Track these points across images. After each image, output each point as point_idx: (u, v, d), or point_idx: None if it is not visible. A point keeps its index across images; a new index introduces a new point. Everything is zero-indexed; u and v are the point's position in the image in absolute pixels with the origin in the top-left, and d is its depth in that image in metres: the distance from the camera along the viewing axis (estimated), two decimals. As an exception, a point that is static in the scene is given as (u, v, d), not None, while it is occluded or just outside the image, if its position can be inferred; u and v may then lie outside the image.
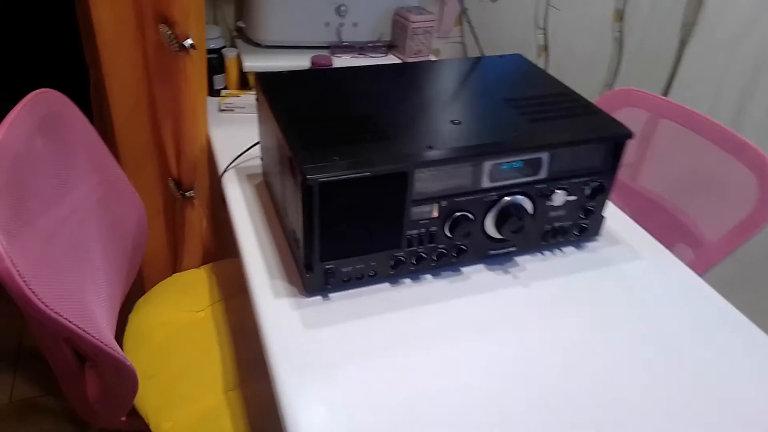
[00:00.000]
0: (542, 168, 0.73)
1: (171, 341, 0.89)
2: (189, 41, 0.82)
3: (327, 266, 0.68)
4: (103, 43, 0.80)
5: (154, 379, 0.84)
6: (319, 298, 0.70)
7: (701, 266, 0.86)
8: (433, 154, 0.66)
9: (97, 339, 0.59)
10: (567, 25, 1.54)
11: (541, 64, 1.57)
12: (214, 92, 1.15)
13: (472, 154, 0.68)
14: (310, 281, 0.69)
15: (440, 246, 0.73)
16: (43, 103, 0.72)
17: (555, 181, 0.74)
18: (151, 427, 0.79)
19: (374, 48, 1.20)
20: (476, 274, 0.76)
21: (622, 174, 1.04)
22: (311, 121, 0.70)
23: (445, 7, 1.31)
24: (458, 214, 0.71)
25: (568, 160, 0.74)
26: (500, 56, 0.96)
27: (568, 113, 0.77)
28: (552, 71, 1.62)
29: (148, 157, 0.93)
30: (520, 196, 0.73)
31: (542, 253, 0.81)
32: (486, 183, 0.71)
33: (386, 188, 0.66)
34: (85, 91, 0.89)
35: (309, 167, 0.62)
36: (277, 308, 0.68)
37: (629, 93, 1.00)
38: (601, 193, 0.78)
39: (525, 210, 0.73)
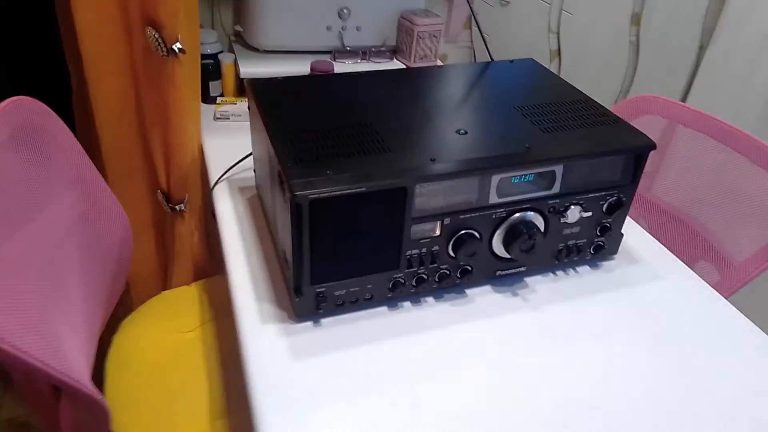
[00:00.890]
0: (556, 182, 0.66)
1: (156, 365, 0.84)
2: (177, 45, 0.77)
3: (318, 289, 0.63)
4: (86, 47, 0.75)
5: (136, 406, 0.79)
6: (309, 323, 0.65)
7: (728, 287, 0.79)
8: (435, 167, 0.60)
9: (62, 373, 0.54)
10: (581, 28, 1.47)
11: (554, 69, 1.51)
12: (209, 99, 1.10)
13: (478, 167, 0.62)
14: (299, 305, 0.63)
15: (443, 267, 0.67)
16: (17, 112, 0.67)
17: (569, 196, 0.68)
18: (131, 459, 0.73)
19: (378, 53, 1.14)
20: (482, 296, 0.70)
21: (640, 187, 0.97)
22: (304, 132, 0.65)
23: (453, 10, 1.25)
24: (463, 232, 0.65)
25: (585, 173, 0.68)
26: (511, 61, 0.90)
27: (584, 122, 0.71)
28: (565, 77, 1.56)
29: (135, 168, 0.88)
30: (531, 213, 0.67)
31: (554, 273, 0.75)
32: (494, 199, 0.64)
33: (384, 205, 0.60)
34: (67, 98, 0.85)
35: (298, 182, 0.56)
36: (263, 335, 0.63)
37: (649, 100, 0.94)
38: (619, 209, 0.71)
39: (536, 227, 0.67)
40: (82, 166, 0.77)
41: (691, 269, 0.77)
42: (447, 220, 0.64)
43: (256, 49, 1.12)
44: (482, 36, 0.89)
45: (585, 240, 0.73)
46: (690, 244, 0.88)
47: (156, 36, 0.75)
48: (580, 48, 1.48)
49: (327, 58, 1.12)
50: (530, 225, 0.67)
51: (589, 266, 0.76)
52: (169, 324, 0.91)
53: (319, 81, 0.79)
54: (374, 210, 0.60)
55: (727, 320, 0.69)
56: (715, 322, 0.69)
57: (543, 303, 0.70)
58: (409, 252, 0.64)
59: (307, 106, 0.71)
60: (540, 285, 0.73)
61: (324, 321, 0.65)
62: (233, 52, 1.12)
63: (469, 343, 0.64)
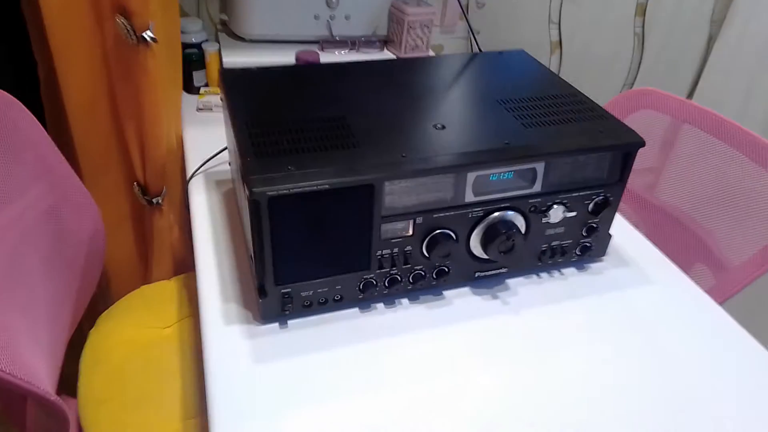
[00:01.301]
0: (537, 180, 0.63)
1: (130, 361, 0.82)
2: (148, 33, 0.74)
3: (283, 290, 0.60)
4: (53, 35, 0.73)
5: (109, 403, 0.77)
6: (275, 325, 0.62)
7: (723, 292, 0.75)
8: (406, 164, 0.57)
9: (11, 375, 0.51)
10: (583, 19, 1.43)
11: (554, 61, 1.47)
12: (193, 89, 1.07)
13: (451, 164, 0.58)
14: (264, 307, 0.60)
15: (417, 267, 0.64)
16: (-24, 101, 0.64)
17: (552, 194, 0.64)
18: (97, 459, 0.71)
19: (368, 43, 1.11)
20: (459, 298, 0.67)
21: (637, 185, 0.93)
22: (271, 125, 0.61)
23: (448, -1, 1.21)
24: (437, 232, 0.62)
25: (568, 170, 0.64)
26: (500, 52, 0.86)
27: (571, 117, 0.67)
28: (567, 70, 1.51)
29: (110, 159, 0.86)
30: (510, 212, 0.64)
31: (538, 275, 0.71)
32: (470, 197, 0.61)
33: (350, 203, 0.57)
34: (35, 88, 0.82)
35: (257, 178, 0.53)
36: (226, 336, 0.60)
37: (647, 94, 0.90)
38: (606, 209, 0.67)
39: (516, 227, 0.63)
40: (49, 159, 0.74)
41: (688, 272, 0.74)
42: (419, 219, 0.60)
43: (242, 39, 1.09)
44: (469, 26, 0.85)
45: (570, 241, 0.70)
46: (687, 246, 0.84)
47: (125, 24, 0.73)
48: (582, 40, 1.44)
49: (315, 48, 1.08)
50: (509, 225, 0.63)
51: (576, 268, 0.73)
52: (147, 319, 0.89)
53: (297, 72, 0.75)
54: (340, 208, 0.57)
55: (719, 328, 0.66)
56: (706, 330, 0.65)
57: (524, 307, 0.67)
58: (379, 252, 0.61)
59: (279, 97, 0.68)
60: (522, 287, 0.69)
61: (291, 323, 0.62)
62: (218, 41, 1.09)
63: (443, 348, 0.61)
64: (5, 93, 0.69)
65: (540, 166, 0.62)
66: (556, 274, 0.72)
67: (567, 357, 0.61)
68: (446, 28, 1.28)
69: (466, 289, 0.68)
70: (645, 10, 1.45)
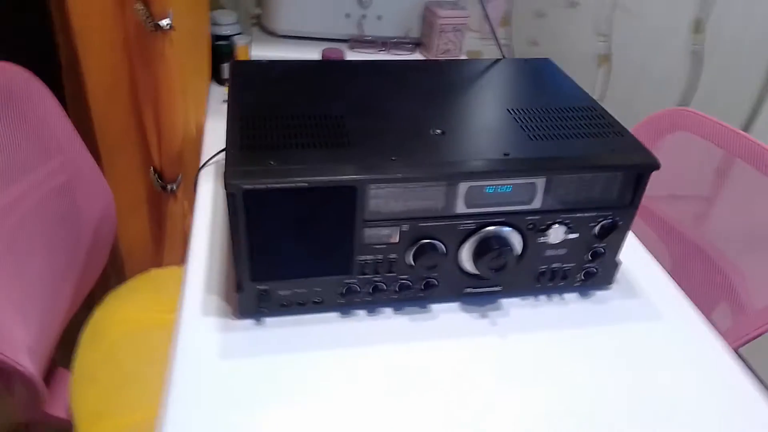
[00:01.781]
0: (536, 196, 0.59)
1: (125, 342, 0.83)
2: (166, 21, 0.75)
3: (260, 287, 0.59)
4: (76, 20, 0.75)
5: (99, 380, 0.78)
6: (251, 322, 0.61)
7: (739, 336, 0.69)
8: (392, 167, 0.55)
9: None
10: (634, 33, 1.35)
11: (600, 76, 1.40)
12: (222, 81, 1.08)
13: (440, 172, 0.55)
14: (240, 302, 0.59)
15: (402, 277, 0.61)
16: (-7, 76, 0.67)
17: (552, 213, 0.60)
18: (77, 435, 0.73)
19: (399, 44, 1.09)
20: (446, 314, 0.64)
21: (665, 211, 0.87)
22: (265, 118, 0.61)
23: (489, 4, 1.17)
24: (425, 242, 0.59)
25: (573, 188, 0.60)
26: (525, 60, 0.82)
27: (583, 132, 0.63)
28: (615, 86, 1.44)
29: (128, 143, 0.88)
30: (507, 228, 0.60)
31: (536, 298, 0.67)
32: (461, 208, 0.58)
33: (330, 204, 0.55)
34: (56, 70, 0.85)
35: (233, 171, 0.52)
36: (199, 327, 0.60)
37: (681, 114, 0.83)
38: (613, 233, 0.63)
39: (509, 244, 0.60)
40: (64, 136, 0.76)
41: (710, 311, 0.68)
42: (405, 227, 0.58)
43: (273, 34, 1.09)
44: (493, 33, 0.82)
45: (573, 264, 0.65)
46: (712, 282, 0.77)
47: (144, 11, 0.74)
48: (632, 55, 1.36)
49: (344, 46, 1.07)
50: (503, 241, 0.60)
51: (579, 294, 0.68)
52: (150, 302, 0.90)
53: (307, 67, 0.74)
54: (320, 208, 0.55)
55: (723, 375, 0.60)
56: (711, 375, 0.60)
57: (513, 330, 0.63)
58: (362, 257, 0.59)
59: (282, 91, 0.67)
60: (516, 309, 0.66)
61: (268, 321, 0.61)
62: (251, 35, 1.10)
63: (421, 363, 0.58)
64: (25, 70, 0.71)
65: (540, 182, 0.58)
66: (555, 298, 0.67)
67: (548, 388, 0.57)
68: (485, 34, 1.25)
69: (455, 305, 0.65)
70: (703, 27, 1.36)
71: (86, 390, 0.78)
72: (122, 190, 0.91)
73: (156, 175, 0.91)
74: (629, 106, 1.43)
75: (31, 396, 0.64)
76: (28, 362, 0.61)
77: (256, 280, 0.58)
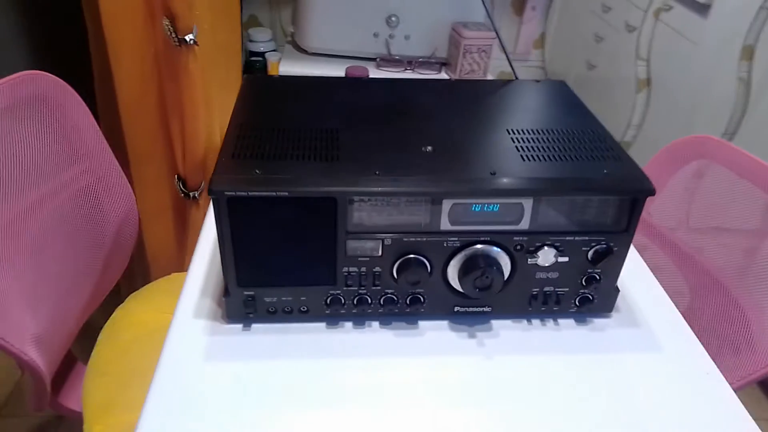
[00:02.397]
0: (524, 217, 0.58)
1: (137, 342, 0.87)
2: (190, 36, 0.79)
3: (246, 292, 0.60)
4: (109, 32, 0.80)
5: (107, 377, 0.82)
6: (239, 326, 0.63)
7: (743, 374, 0.64)
8: (373, 182, 0.56)
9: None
10: (677, 57, 1.31)
11: (641, 101, 1.36)
12: (252, 96, 1.13)
13: (418, 189, 0.56)
14: (228, 306, 0.61)
15: (388, 290, 0.62)
16: (26, 84, 0.72)
17: (541, 234, 0.59)
18: (84, 425, 0.76)
19: (425, 64, 1.10)
20: (434, 331, 0.64)
21: (686, 241, 0.83)
22: (260, 130, 0.63)
23: (522, 26, 1.17)
24: (410, 257, 0.59)
25: (565, 210, 0.59)
26: (537, 81, 0.81)
27: (579, 155, 0.62)
28: (655, 112, 1.39)
29: (155, 151, 0.93)
30: (495, 248, 0.60)
31: (529, 321, 0.66)
32: (446, 225, 0.58)
33: (313, 215, 0.56)
34: (89, 80, 0.91)
35: (218, 178, 0.54)
36: (189, 329, 0.62)
37: (704, 142, 0.80)
38: (607, 259, 0.61)
39: (496, 265, 0.59)
40: (93, 142, 0.82)
41: (722, 346, 0.64)
42: (388, 241, 0.58)
43: (305, 51, 1.13)
44: (504, 49, 0.82)
45: (567, 289, 0.63)
46: (724, 316, 0.73)
47: (169, 26, 0.78)
48: (675, 80, 1.32)
49: (371, 65, 1.10)
50: (489, 260, 0.59)
51: (575, 320, 0.66)
52: (167, 305, 0.94)
53: (317, 83, 0.77)
54: (303, 218, 0.56)
55: (720, 414, 0.56)
56: (708, 416, 0.56)
57: (501, 352, 0.62)
58: (346, 269, 0.60)
59: (285, 105, 0.69)
60: (506, 331, 0.64)
61: (255, 326, 0.63)
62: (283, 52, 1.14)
63: (403, 379, 0.58)
64: (59, 79, 0.77)
65: (527, 202, 0.58)
66: (549, 323, 0.66)
67: (528, 414, 0.55)
68: (518, 55, 1.24)
69: (444, 323, 0.65)
70: (753, 55, 1.30)
71: (96, 385, 0.82)
72: (149, 196, 0.96)
73: (180, 183, 0.96)
74: (677, 133, 1.38)
75: (38, 386, 0.68)
76: (35, 353, 0.65)
77: (242, 285, 0.60)
